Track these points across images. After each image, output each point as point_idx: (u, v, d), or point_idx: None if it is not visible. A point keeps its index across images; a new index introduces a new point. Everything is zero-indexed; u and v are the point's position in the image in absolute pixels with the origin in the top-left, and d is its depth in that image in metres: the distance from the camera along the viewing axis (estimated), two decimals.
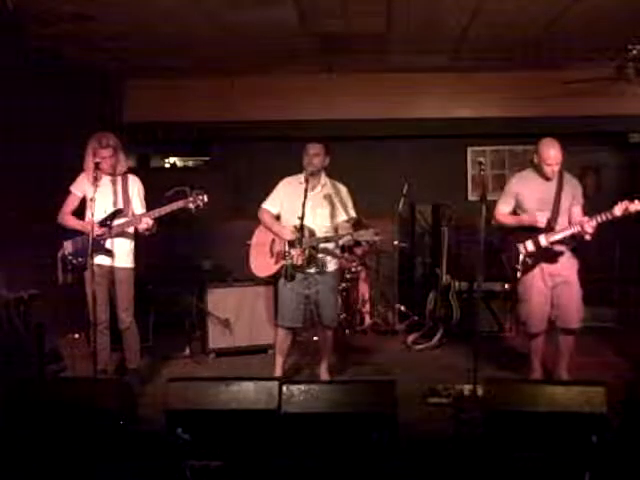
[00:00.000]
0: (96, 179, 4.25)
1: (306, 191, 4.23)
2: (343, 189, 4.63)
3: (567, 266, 4.45)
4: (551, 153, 4.27)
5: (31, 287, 4.59)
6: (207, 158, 7.74)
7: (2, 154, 4.93)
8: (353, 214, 4.58)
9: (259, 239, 4.73)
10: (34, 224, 5.02)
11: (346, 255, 5.90)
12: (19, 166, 5.10)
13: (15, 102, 5.04)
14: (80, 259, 4.39)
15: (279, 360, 4.68)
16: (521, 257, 4.42)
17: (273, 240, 4.60)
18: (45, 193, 4.98)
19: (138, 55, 5.96)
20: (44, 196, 4.87)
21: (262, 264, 4.68)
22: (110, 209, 4.40)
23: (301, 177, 4.47)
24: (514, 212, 4.57)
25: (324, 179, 4.58)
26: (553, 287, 4.45)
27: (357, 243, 5.72)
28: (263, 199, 4.80)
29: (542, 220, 4.35)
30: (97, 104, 6.35)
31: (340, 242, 4.49)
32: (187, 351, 5.62)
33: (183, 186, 4.41)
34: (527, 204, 4.45)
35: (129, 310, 4.52)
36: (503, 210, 4.54)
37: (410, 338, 6.04)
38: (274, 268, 4.57)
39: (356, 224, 4.57)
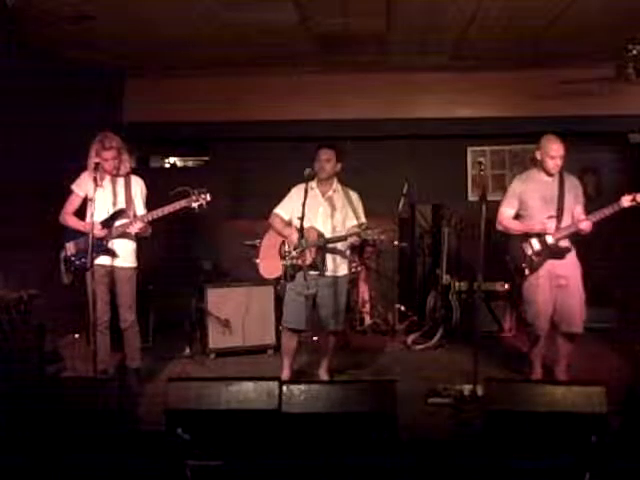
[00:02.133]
0: (96, 179, 4.26)
1: (306, 192, 4.22)
2: (354, 195, 4.63)
3: (571, 269, 4.49)
4: (554, 147, 4.36)
5: (31, 287, 4.58)
6: (207, 158, 7.74)
7: (2, 154, 4.93)
8: (363, 220, 4.56)
9: (269, 242, 4.70)
10: (34, 224, 5.02)
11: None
12: (19, 166, 5.10)
13: (15, 102, 5.04)
14: (83, 260, 4.39)
15: (286, 362, 4.66)
16: (527, 256, 4.47)
17: (283, 242, 4.60)
18: (45, 193, 4.98)
19: (138, 55, 5.96)
20: (44, 196, 4.88)
21: (271, 266, 4.65)
22: (111, 209, 4.41)
23: (312, 183, 4.48)
24: (517, 215, 4.58)
25: (336, 184, 4.60)
26: (557, 288, 4.46)
27: (362, 246, 5.75)
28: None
29: (551, 227, 4.40)
30: (97, 104, 6.35)
31: (348, 241, 4.47)
32: (187, 351, 5.62)
33: (184, 186, 4.41)
34: (531, 202, 4.48)
35: (131, 309, 4.53)
36: (508, 213, 4.56)
37: (410, 338, 6.05)
38: (280, 270, 4.55)
39: (366, 230, 4.57)
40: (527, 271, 4.47)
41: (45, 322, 4.62)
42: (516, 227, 4.54)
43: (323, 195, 4.54)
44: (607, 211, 4.27)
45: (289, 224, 4.58)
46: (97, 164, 4.27)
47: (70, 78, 5.89)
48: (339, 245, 4.50)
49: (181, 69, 6.46)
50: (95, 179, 4.25)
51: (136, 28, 5.11)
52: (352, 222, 4.51)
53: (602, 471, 2.68)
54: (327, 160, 4.47)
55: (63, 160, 4.71)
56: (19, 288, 4.53)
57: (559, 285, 4.45)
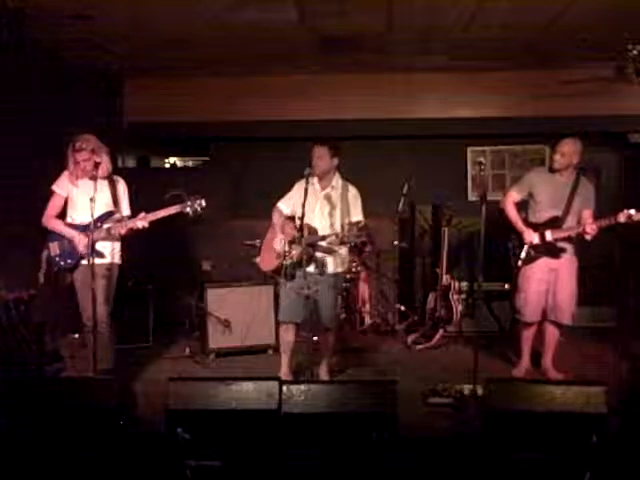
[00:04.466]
0: (96, 179, 4.26)
1: (306, 191, 4.26)
2: (352, 190, 4.63)
3: (567, 264, 4.67)
4: (562, 143, 4.60)
5: (31, 287, 4.58)
6: (207, 158, 7.74)
7: (2, 154, 4.92)
8: (359, 217, 4.56)
9: (272, 235, 4.76)
10: (34, 224, 5.01)
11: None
12: (19, 166, 5.10)
13: (15, 102, 5.04)
14: (69, 261, 4.39)
15: (284, 359, 4.69)
16: (525, 248, 4.67)
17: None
18: (45, 193, 4.98)
19: (138, 55, 5.96)
20: (44, 196, 4.87)
21: (267, 258, 4.74)
22: (97, 211, 4.37)
23: (313, 179, 4.52)
24: (527, 204, 4.79)
25: (336, 180, 4.60)
26: (553, 282, 4.67)
27: (363, 244, 5.75)
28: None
29: (530, 240, 4.63)
30: (97, 104, 6.35)
31: (325, 242, 4.46)
32: (187, 351, 5.62)
33: (184, 187, 4.40)
34: (540, 196, 4.70)
35: (109, 305, 4.50)
36: (514, 197, 4.80)
37: (410, 338, 6.05)
38: (275, 263, 4.60)
39: (363, 228, 4.57)
40: (520, 262, 4.69)
41: (45, 322, 4.62)
42: (510, 213, 4.77)
43: (322, 191, 4.57)
44: (604, 222, 4.45)
45: (289, 218, 4.62)
46: (98, 164, 4.28)
47: (70, 78, 5.89)
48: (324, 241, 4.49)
49: (181, 69, 6.45)
50: (95, 179, 4.25)
51: (136, 28, 5.10)
52: (347, 219, 4.50)
53: (602, 471, 2.68)
54: (319, 157, 4.48)
55: (63, 160, 4.70)
56: (19, 288, 4.53)
57: (555, 278, 4.66)
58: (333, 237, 4.36)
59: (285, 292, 4.56)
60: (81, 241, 4.34)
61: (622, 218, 4.34)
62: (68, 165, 4.46)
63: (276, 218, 4.67)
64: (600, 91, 6.08)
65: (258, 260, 4.90)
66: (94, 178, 4.34)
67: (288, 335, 4.66)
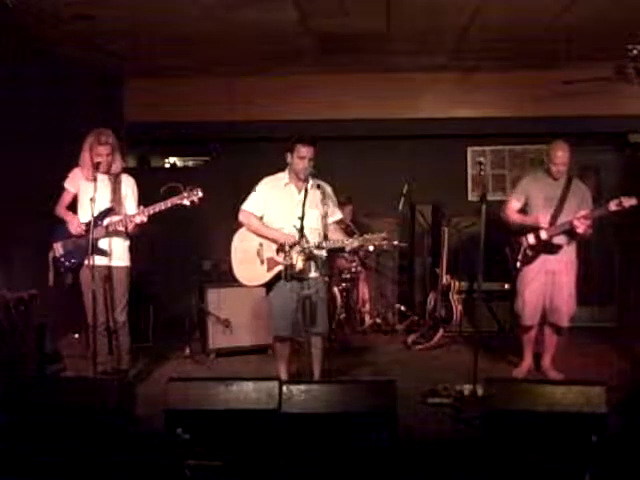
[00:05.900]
0: (96, 179, 4.26)
1: (307, 191, 4.16)
2: (328, 188, 4.37)
3: (564, 266, 4.70)
4: (558, 154, 4.61)
5: (31, 287, 4.58)
6: (207, 158, 7.74)
7: (2, 154, 4.93)
8: (340, 215, 4.49)
9: (241, 245, 4.39)
10: (34, 224, 5.02)
11: (346, 255, 5.91)
12: (19, 166, 5.10)
13: (15, 102, 5.04)
14: (73, 260, 4.38)
15: (282, 368, 4.51)
16: (522, 248, 4.72)
17: (261, 245, 4.30)
18: (45, 193, 4.99)
19: (138, 55, 5.96)
20: (44, 196, 4.88)
21: (252, 273, 4.34)
22: (100, 208, 4.37)
23: (281, 176, 4.36)
24: (522, 210, 4.83)
25: (309, 179, 4.27)
26: (551, 284, 4.69)
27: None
28: None
29: (544, 221, 4.62)
30: (97, 104, 6.35)
31: (348, 248, 4.32)
32: (187, 351, 5.62)
33: (177, 183, 4.37)
34: (534, 200, 4.75)
35: (124, 310, 4.52)
36: (514, 205, 4.83)
37: (410, 338, 6.05)
38: (267, 276, 4.26)
39: (340, 223, 4.57)
40: (518, 264, 4.74)
41: (45, 322, 4.62)
42: (515, 218, 4.81)
43: (300, 192, 4.29)
44: (596, 213, 4.49)
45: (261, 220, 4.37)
46: (98, 163, 4.27)
47: (70, 78, 5.89)
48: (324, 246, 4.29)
49: (181, 69, 6.46)
50: (95, 178, 4.25)
51: (136, 28, 5.11)
52: (330, 219, 4.27)
53: (602, 471, 2.68)
54: (310, 158, 4.21)
55: (62, 160, 4.71)
56: (19, 288, 4.53)
57: (554, 282, 4.69)
58: (357, 242, 4.14)
59: (278, 302, 4.28)
60: (77, 223, 4.31)
61: (613, 206, 4.35)
62: (83, 160, 4.39)
63: (255, 222, 4.33)
64: (600, 91, 6.08)
65: (236, 274, 4.39)
66: (110, 173, 4.39)
67: (286, 348, 4.47)
